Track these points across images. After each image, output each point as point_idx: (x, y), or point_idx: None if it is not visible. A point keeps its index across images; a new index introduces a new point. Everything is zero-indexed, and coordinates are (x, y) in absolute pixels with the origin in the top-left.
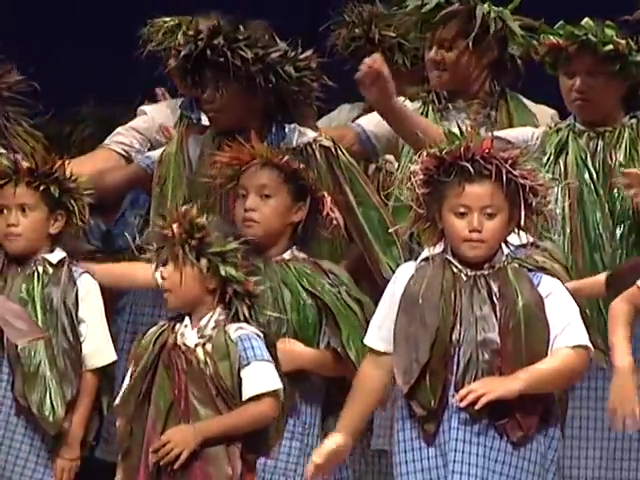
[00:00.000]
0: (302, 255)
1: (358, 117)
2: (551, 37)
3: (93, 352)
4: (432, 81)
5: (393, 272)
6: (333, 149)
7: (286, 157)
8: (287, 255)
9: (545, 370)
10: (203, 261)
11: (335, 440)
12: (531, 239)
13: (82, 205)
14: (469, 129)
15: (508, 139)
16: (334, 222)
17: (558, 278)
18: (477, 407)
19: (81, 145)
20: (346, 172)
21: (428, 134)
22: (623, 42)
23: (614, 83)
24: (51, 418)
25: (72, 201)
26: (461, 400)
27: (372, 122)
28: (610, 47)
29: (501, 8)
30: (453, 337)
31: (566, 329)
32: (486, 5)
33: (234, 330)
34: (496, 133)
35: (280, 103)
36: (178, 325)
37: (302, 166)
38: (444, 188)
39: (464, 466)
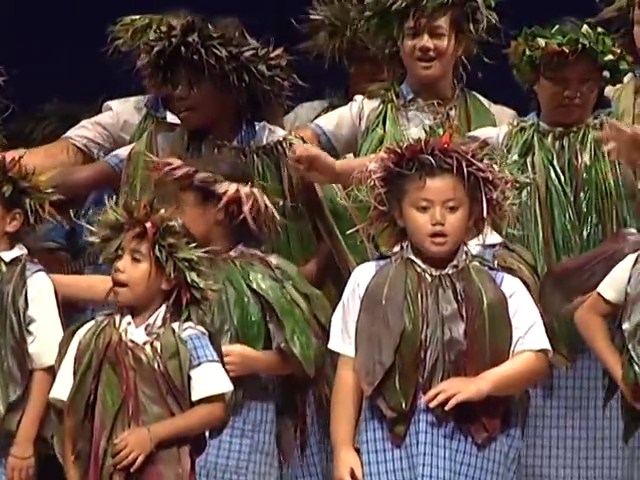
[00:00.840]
0: (250, 251)
1: (318, 116)
2: (550, 42)
3: (44, 351)
4: (416, 71)
5: None
6: None
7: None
8: (233, 252)
9: (510, 373)
10: (169, 263)
11: (349, 460)
12: (500, 239)
13: (38, 204)
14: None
15: (482, 138)
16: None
17: (525, 280)
18: (447, 408)
19: (42, 142)
20: None
21: None
22: (618, 51)
23: (598, 88)
24: None
25: (28, 200)
26: (430, 401)
27: (331, 122)
28: (610, 57)
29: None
30: (422, 338)
31: (529, 332)
32: None
33: (182, 329)
34: (468, 134)
35: (251, 101)
36: (118, 321)
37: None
38: (404, 183)
39: (432, 469)
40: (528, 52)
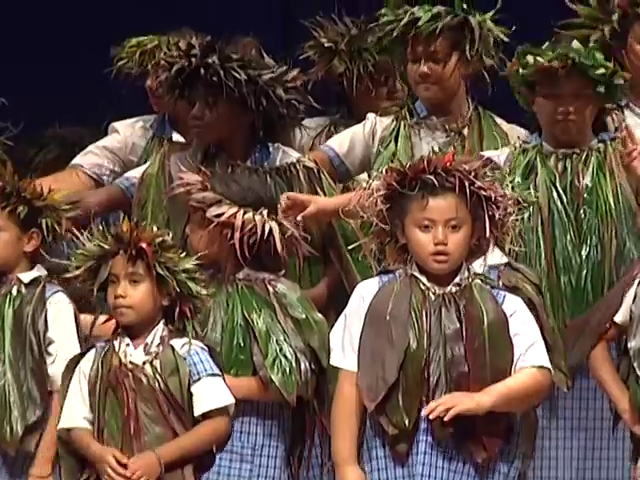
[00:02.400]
0: (256, 275)
1: (321, 132)
2: (539, 58)
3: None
4: (420, 94)
5: None
6: (316, 170)
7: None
8: (241, 274)
9: (512, 388)
10: (172, 278)
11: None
12: (505, 260)
13: (56, 222)
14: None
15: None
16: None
17: (530, 298)
18: (446, 418)
19: (44, 168)
20: (327, 195)
21: None
22: (611, 65)
23: (594, 104)
24: (8, 437)
25: (44, 219)
26: (430, 413)
27: (344, 144)
28: (602, 71)
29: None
30: (426, 355)
31: (530, 349)
32: (477, 16)
33: (180, 345)
34: (481, 153)
35: (267, 123)
36: (117, 345)
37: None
38: (406, 203)
39: None
40: (521, 71)
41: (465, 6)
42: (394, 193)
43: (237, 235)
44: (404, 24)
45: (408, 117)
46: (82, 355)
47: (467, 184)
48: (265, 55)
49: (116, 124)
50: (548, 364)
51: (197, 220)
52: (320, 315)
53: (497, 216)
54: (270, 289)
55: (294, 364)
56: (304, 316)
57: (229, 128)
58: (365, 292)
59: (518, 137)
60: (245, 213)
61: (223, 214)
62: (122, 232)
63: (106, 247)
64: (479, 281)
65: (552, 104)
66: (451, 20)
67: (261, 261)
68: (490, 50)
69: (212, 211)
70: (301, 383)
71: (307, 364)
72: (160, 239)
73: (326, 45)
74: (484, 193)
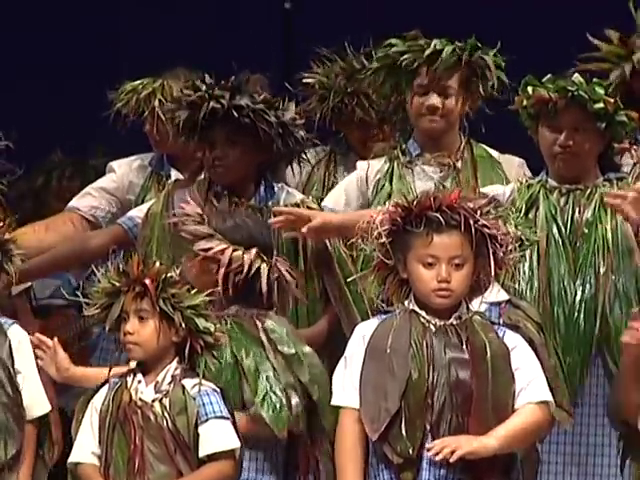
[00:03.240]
0: (246, 311)
1: (319, 162)
2: (539, 90)
3: (31, 403)
4: (422, 125)
5: None
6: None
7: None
8: (231, 310)
9: (516, 428)
10: (177, 314)
11: None
12: (506, 297)
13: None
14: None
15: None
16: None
17: (530, 336)
18: (451, 460)
19: (60, 192)
20: None
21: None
22: (612, 101)
23: (596, 140)
24: None
25: (8, 263)
26: (436, 454)
27: (339, 202)
28: (601, 105)
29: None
30: (428, 383)
31: (531, 384)
32: (491, 55)
33: (191, 385)
34: (485, 190)
35: (277, 161)
36: (130, 381)
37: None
38: (410, 238)
39: None
40: (525, 102)
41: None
42: (398, 228)
43: (222, 271)
44: (427, 55)
45: (401, 157)
46: (95, 391)
47: (472, 222)
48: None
49: (113, 163)
50: (550, 397)
51: (191, 251)
52: (308, 348)
53: (500, 254)
54: (259, 324)
55: (284, 400)
56: (293, 351)
57: (246, 168)
58: (365, 331)
59: (519, 166)
60: (234, 250)
61: (211, 249)
62: (130, 269)
63: (117, 284)
64: (478, 317)
65: (552, 136)
66: (469, 56)
67: (253, 299)
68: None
69: (200, 245)
70: (292, 418)
71: (298, 399)
72: (164, 275)
73: (322, 82)
74: (488, 231)
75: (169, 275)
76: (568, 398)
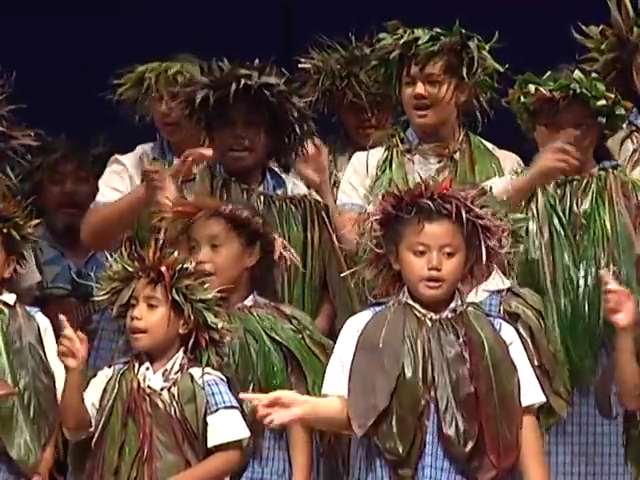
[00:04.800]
0: (264, 301)
1: None
2: (540, 88)
3: (60, 386)
4: (414, 121)
5: None
6: (322, 205)
7: (230, 207)
8: (249, 302)
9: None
10: (187, 306)
11: None
12: (508, 284)
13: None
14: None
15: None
16: (288, 262)
17: (529, 324)
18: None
19: (54, 174)
20: (333, 230)
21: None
22: (612, 96)
23: (595, 134)
24: (29, 462)
25: (27, 246)
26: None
27: (350, 193)
28: (603, 102)
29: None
30: (428, 382)
31: (529, 386)
32: (475, 40)
33: (200, 374)
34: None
35: (284, 149)
36: (137, 366)
37: (248, 213)
38: (402, 227)
39: None
40: (522, 99)
41: (463, 31)
42: (390, 217)
43: (276, 257)
44: (402, 43)
45: (400, 144)
46: (95, 374)
47: (463, 211)
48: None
49: (121, 158)
50: (543, 398)
51: (234, 241)
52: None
53: (491, 245)
54: (284, 312)
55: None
56: (324, 341)
57: (262, 152)
58: (358, 324)
59: (518, 163)
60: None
61: (276, 239)
62: (146, 255)
63: (130, 269)
64: (472, 309)
65: (552, 134)
66: (449, 42)
67: (264, 286)
68: (486, 77)
69: (271, 235)
70: None
71: None
72: (181, 265)
73: (317, 66)
74: (480, 221)
75: (185, 266)
76: (567, 386)
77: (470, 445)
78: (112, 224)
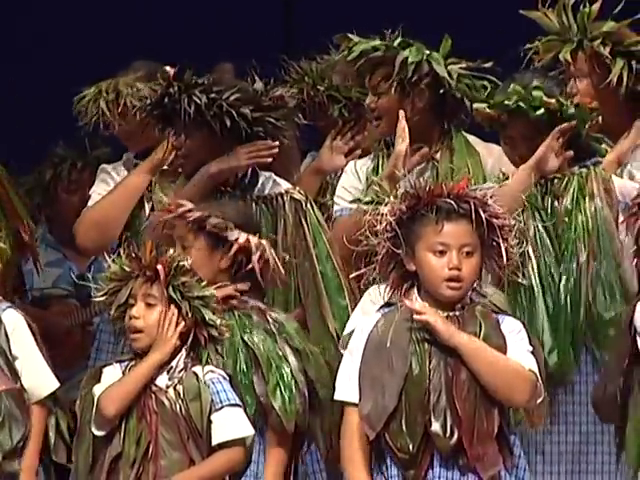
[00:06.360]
0: (251, 302)
1: None
2: (481, 109)
3: (35, 384)
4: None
5: (338, 337)
6: (304, 203)
7: (184, 208)
8: (234, 301)
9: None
10: (184, 303)
11: None
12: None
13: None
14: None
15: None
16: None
17: None
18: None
19: (71, 184)
20: (312, 229)
21: None
22: (553, 101)
23: (563, 137)
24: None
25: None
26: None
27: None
28: (541, 111)
29: (429, 52)
30: (429, 380)
31: (521, 356)
32: (412, 50)
33: (204, 372)
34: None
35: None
36: None
37: (201, 214)
38: (419, 228)
39: None
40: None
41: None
42: (407, 217)
43: (255, 259)
44: (351, 59)
45: (385, 149)
46: (102, 368)
47: (481, 210)
48: (257, 79)
49: (107, 166)
50: (537, 373)
51: (200, 245)
52: (315, 348)
53: (509, 244)
54: (268, 317)
55: (294, 392)
56: (302, 347)
57: (208, 155)
58: (367, 325)
59: (499, 153)
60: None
61: (238, 239)
62: (142, 255)
63: (127, 269)
64: (480, 306)
65: (506, 147)
66: (381, 54)
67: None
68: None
69: (231, 235)
70: (300, 412)
71: (306, 394)
72: (176, 263)
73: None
74: (496, 221)
75: (181, 264)
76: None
77: (455, 438)
78: (110, 217)
